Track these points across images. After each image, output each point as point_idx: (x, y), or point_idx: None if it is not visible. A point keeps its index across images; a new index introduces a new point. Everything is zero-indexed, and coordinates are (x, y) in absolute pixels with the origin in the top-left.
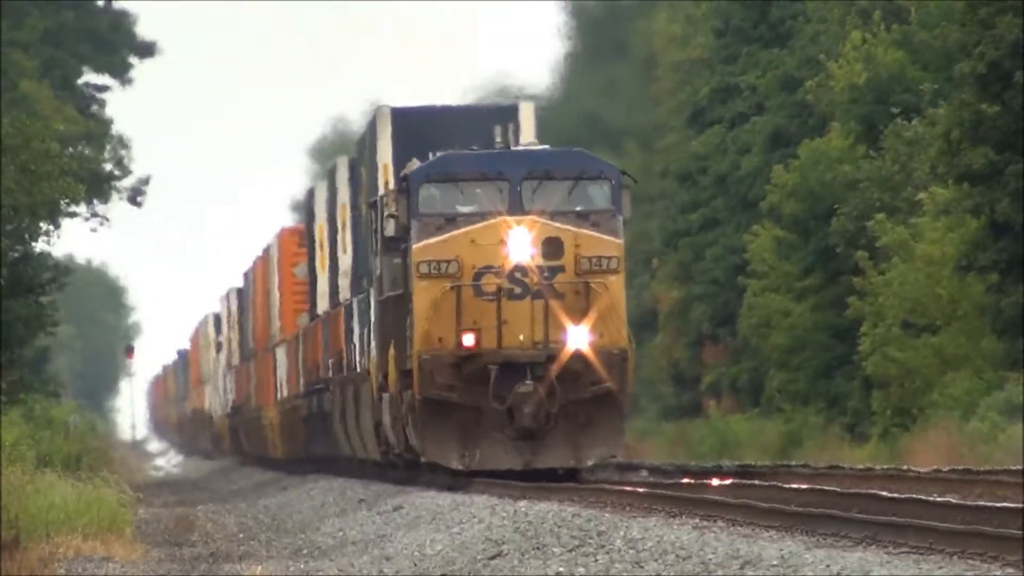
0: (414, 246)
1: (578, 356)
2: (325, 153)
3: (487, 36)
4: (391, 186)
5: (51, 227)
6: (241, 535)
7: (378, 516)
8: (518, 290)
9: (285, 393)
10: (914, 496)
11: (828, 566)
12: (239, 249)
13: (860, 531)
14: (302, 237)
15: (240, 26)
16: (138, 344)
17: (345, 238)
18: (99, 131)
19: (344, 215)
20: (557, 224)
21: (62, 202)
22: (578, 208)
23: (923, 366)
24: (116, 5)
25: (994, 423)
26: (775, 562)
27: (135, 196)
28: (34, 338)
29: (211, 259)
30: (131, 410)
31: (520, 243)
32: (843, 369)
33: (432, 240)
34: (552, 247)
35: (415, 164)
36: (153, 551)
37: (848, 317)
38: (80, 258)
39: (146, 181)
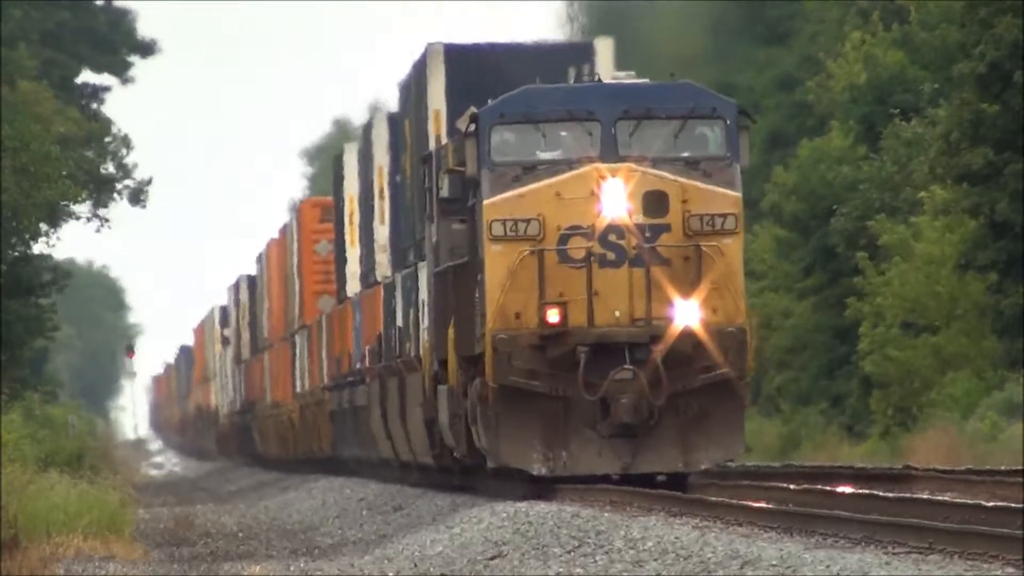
0: (485, 202)
1: (688, 336)
2: (325, 152)
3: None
4: (444, 139)
5: (51, 229)
6: (241, 535)
7: (378, 516)
8: (613, 255)
9: (307, 386)
10: (914, 496)
11: (828, 566)
12: (241, 245)
13: (860, 531)
14: (325, 211)
15: (240, 26)
16: (139, 344)
17: (383, 207)
18: (100, 132)
19: (381, 180)
20: (660, 173)
21: (62, 204)
22: (686, 154)
23: (923, 366)
24: (116, 4)
25: (994, 423)
26: (775, 562)
27: (137, 196)
28: (33, 340)
29: (212, 257)
30: (132, 410)
31: (615, 197)
32: (843, 369)
33: (508, 194)
34: (655, 202)
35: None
36: (153, 551)
37: (848, 317)
38: (81, 259)
39: (148, 182)
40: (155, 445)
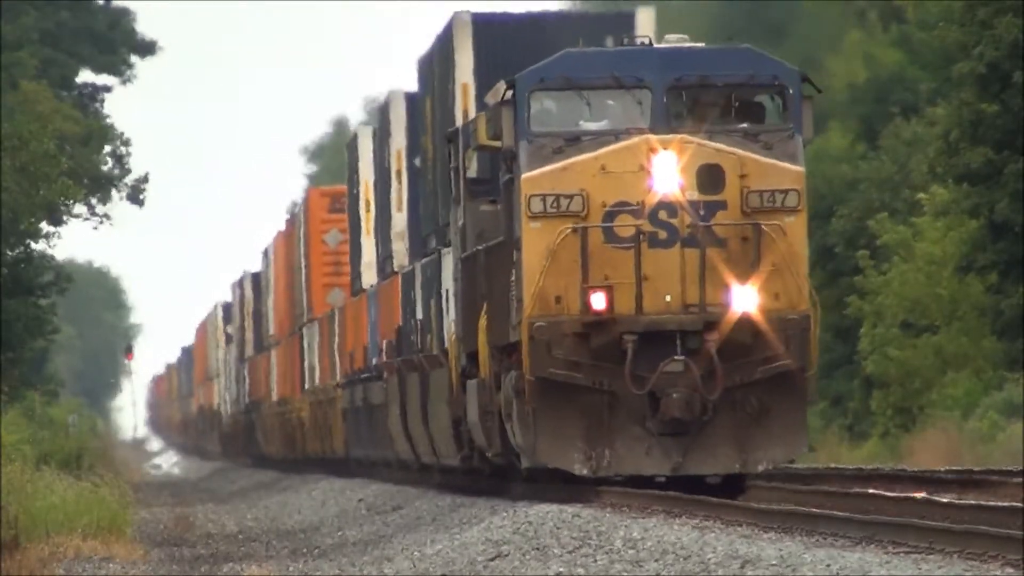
0: (523, 175)
1: (746, 323)
2: (325, 152)
3: None
4: (472, 114)
5: (51, 229)
6: (241, 535)
7: (378, 516)
8: (664, 234)
9: (316, 382)
10: (914, 496)
11: (828, 566)
12: (241, 246)
13: (860, 531)
14: (334, 200)
15: (240, 26)
16: (138, 344)
17: (400, 192)
18: (99, 131)
19: (400, 163)
20: (716, 146)
21: (62, 203)
22: (744, 125)
23: (923, 366)
24: (115, 4)
25: (994, 423)
26: (775, 562)
27: (135, 194)
28: (33, 341)
29: (212, 257)
30: (131, 410)
31: (667, 171)
32: (843, 369)
33: (548, 168)
34: (710, 177)
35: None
36: (153, 551)
37: (848, 317)
38: (81, 259)
39: (145, 179)
40: (155, 446)
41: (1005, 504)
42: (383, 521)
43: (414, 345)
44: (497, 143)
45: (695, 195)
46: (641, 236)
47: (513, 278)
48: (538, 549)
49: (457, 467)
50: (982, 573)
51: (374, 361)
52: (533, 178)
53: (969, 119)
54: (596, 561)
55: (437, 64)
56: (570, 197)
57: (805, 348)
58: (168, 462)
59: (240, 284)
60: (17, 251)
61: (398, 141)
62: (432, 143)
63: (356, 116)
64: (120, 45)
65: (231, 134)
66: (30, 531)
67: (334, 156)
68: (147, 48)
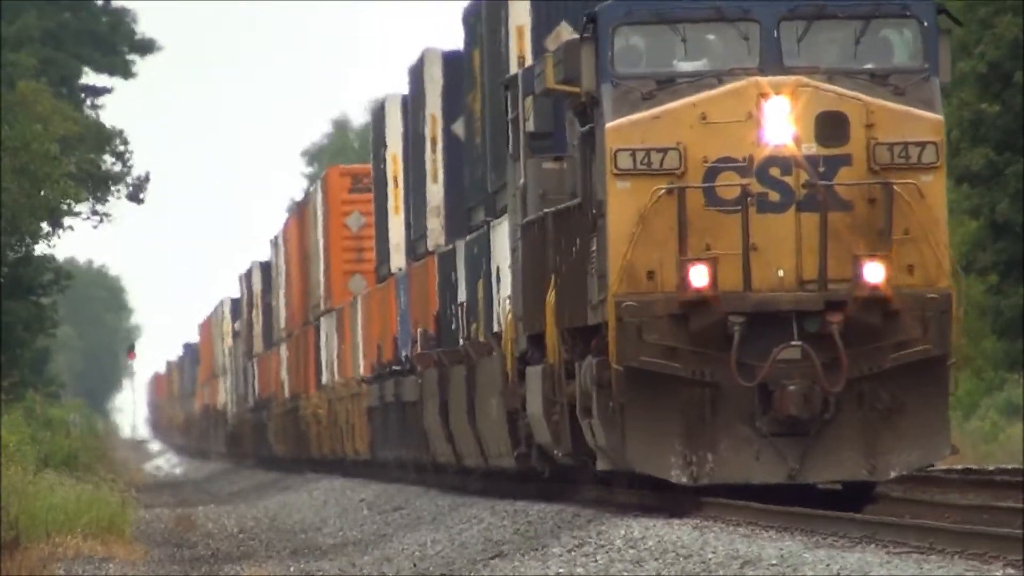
0: (608, 125)
1: (875, 302)
2: (325, 152)
3: None
4: (528, 60)
5: (52, 229)
6: (241, 535)
7: (378, 516)
8: (776, 196)
9: (336, 377)
10: (914, 496)
11: (828, 566)
12: (241, 246)
13: (860, 531)
14: (355, 179)
15: (240, 25)
16: (138, 344)
17: (436, 162)
18: (97, 132)
19: (435, 130)
20: (838, 90)
21: (63, 203)
22: (871, 65)
23: None
24: (115, 4)
25: (994, 423)
26: (775, 562)
27: (136, 193)
28: (34, 340)
29: (212, 258)
30: (131, 410)
31: (779, 120)
32: None
33: (637, 116)
34: (831, 127)
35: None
36: (153, 551)
37: None
38: (81, 259)
39: (146, 178)
40: (155, 446)
41: (1005, 504)
42: (384, 521)
43: (456, 333)
44: (571, 87)
45: (813, 149)
46: (749, 198)
47: (594, 248)
48: (538, 549)
49: (510, 468)
50: (982, 573)
51: (405, 353)
52: (619, 128)
53: (969, 119)
54: (596, 561)
55: (486, 13)
56: (664, 151)
57: (945, 331)
58: (169, 463)
59: (248, 276)
60: (17, 251)
61: (433, 105)
62: (481, 101)
63: (357, 117)
64: (120, 45)
65: (231, 134)
66: (30, 531)
67: (334, 156)
68: (147, 47)
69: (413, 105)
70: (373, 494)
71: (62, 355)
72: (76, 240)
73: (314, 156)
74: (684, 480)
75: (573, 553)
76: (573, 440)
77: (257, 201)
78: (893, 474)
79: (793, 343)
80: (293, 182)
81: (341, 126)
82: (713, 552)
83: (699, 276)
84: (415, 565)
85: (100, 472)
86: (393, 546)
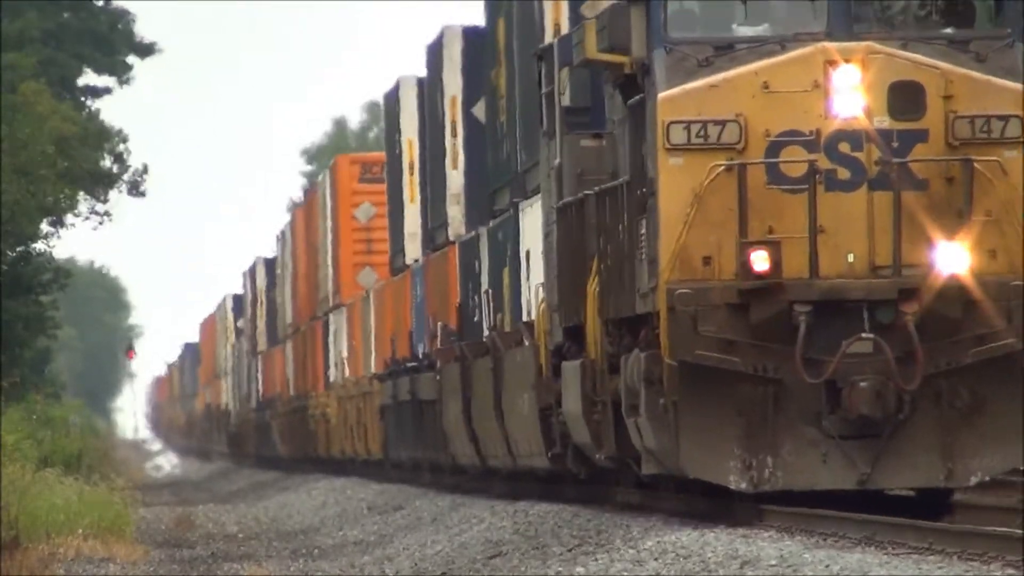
0: (660, 95)
1: (954, 290)
2: (325, 152)
3: None
4: (564, 29)
5: (51, 229)
6: (241, 536)
7: (378, 516)
8: (846, 173)
9: (346, 374)
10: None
11: (828, 566)
12: (241, 246)
13: (860, 531)
14: (365, 168)
15: (239, 25)
16: (138, 344)
17: (456, 146)
18: (96, 132)
19: (455, 112)
20: (914, 57)
21: (63, 203)
22: (949, 30)
23: None
24: (115, 4)
25: None
26: (774, 562)
27: (135, 187)
28: (34, 340)
29: (212, 258)
30: (132, 410)
31: (849, 90)
32: None
33: (693, 85)
34: (906, 97)
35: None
36: (153, 551)
37: None
38: (81, 259)
39: (144, 171)
40: (155, 446)
41: (1005, 504)
42: (384, 521)
43: (479, 325)
44: (615, 56)
45: (886, 122)
46: (816, 175)
47: (643, 231)
48: (538, 549)
49: (543, 469)
50: (982, 573)
51: (421, 348)
52: (673, 99)
53: None
54: (596, 561)
55: None
56: (722, 124)
57: None
58: (170, 463)
59: (252, 272)
60: (18, 250)
61: (453, 86)
62: (506, 76)
63: (356, 117)
64: (120, 46)
65: (231, 134)
66: (30, 531)
67: (333, 156)
68: (146, 49)
69: (430, 87)
70: (373, 494)
71: (62, 355)
72: (76, 240)
73: (313, 156)
74: (743, 486)
75: (573, 553)
76: (617, 442)
77: (257, 201)
78: (974, 480)
79: (864, 335)
80: (293, 181)
81: (340, 125)
82: (713, 552)
83: (761, 261)
84: (415, 565)
85: (102, 472)
86: (393, 546)
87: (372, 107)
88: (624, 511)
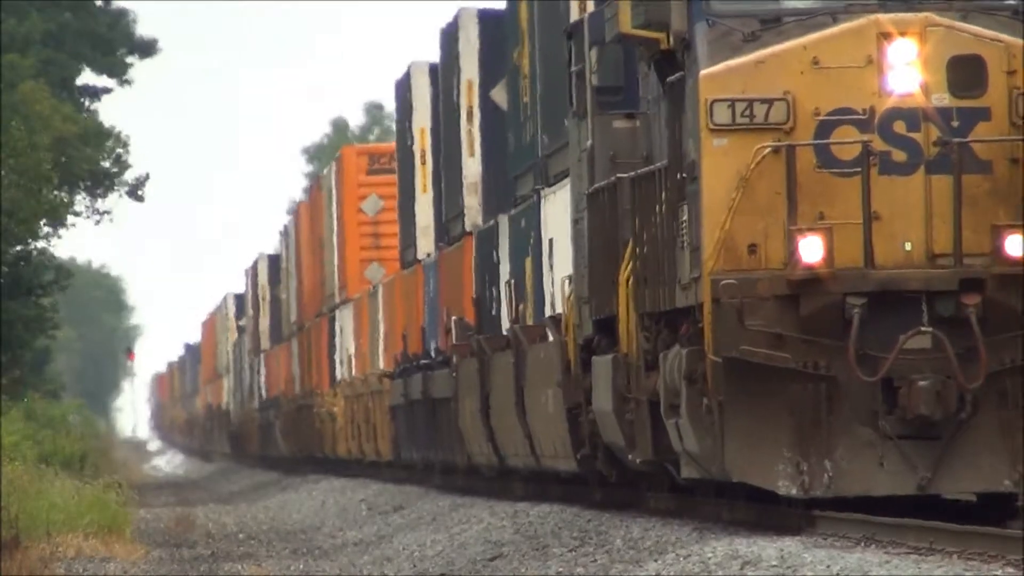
0: (702, 72)
1: (1019, 281)
2: (325, 152)
3: None
4: (591, 7)
5: (51, 229)
6: (241, 535)
7: (378, 516)
8: (903, 155)
9: (353, 372)
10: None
11: (828, 566)
12: (241, 246)
13: (860, 531)
14: (373, 159)
15: (239, 25)
16: (138, 345)
17: (472, 133)
18: (95, 133)
19: (471, 98)
20: (975, 29)
21: (61, 205)
22: (1011, 0)
23: None
24: (114, 4)
25: None
26: (775, 562)
27: (135, 191)
28: (34, 340)
29: (212, 258)
30: (132, 410)
31: (905, 65)
32: None
33: (737, 62)
34: (967, 73)
35: None
36: (153, 551)
37: None
38: (81, 259)
39: (146, 178)
40: (155, 446)
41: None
42: (384, 521)
43: (497, 319)
44: (651, 32)
45: (945, 99)
46: (870, 157)
47: (684, 218)
48: (538, 549)
49: (569, 471)
50: (982, 573)
51: (434, 344)
52: (716, 76)
53: None
54: (596, 561)
55: None
56: (769, 102)
57: None
58: (170, 463)
59: (254, 269)
60: (17, 248)
61: (469, 70)
62: (528, 55)
63: (356, 118)
64: (119, 46)
65: (231, 134)
66: (30, 531)
67: (332, 156)
68: (146, 49)
69: (444, 72)
70: (373, 494)
71: (62, 355)
72: (76, 240)
73: (313, 155)
74: (794, 492)
75: (573, 553)
76: (655, 444)
77: (257, 201)
78: None
79: (923, 329)
80: (294, 181)
81: (340, 127)
82: (713, 552)
83: (811, 250)
84: (415, 565)
85: (102, 472)
86: (393, 546)
87: (372, 108)
88: (624, 511)
